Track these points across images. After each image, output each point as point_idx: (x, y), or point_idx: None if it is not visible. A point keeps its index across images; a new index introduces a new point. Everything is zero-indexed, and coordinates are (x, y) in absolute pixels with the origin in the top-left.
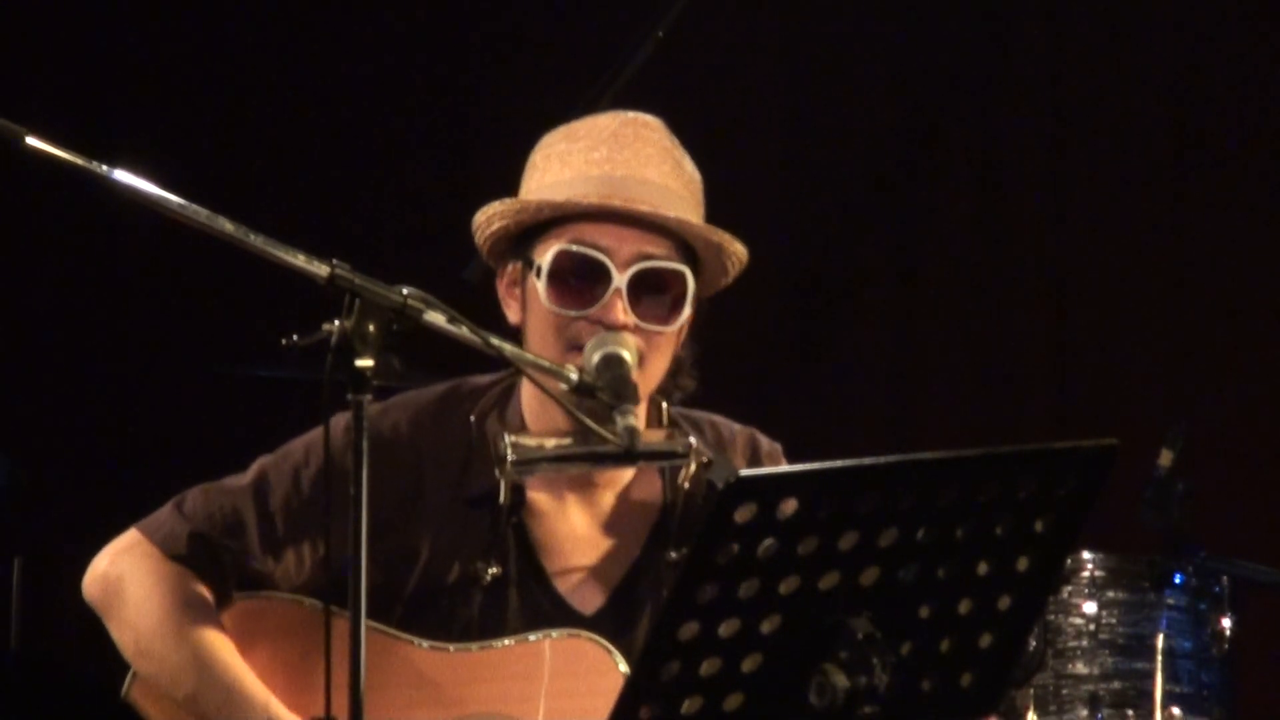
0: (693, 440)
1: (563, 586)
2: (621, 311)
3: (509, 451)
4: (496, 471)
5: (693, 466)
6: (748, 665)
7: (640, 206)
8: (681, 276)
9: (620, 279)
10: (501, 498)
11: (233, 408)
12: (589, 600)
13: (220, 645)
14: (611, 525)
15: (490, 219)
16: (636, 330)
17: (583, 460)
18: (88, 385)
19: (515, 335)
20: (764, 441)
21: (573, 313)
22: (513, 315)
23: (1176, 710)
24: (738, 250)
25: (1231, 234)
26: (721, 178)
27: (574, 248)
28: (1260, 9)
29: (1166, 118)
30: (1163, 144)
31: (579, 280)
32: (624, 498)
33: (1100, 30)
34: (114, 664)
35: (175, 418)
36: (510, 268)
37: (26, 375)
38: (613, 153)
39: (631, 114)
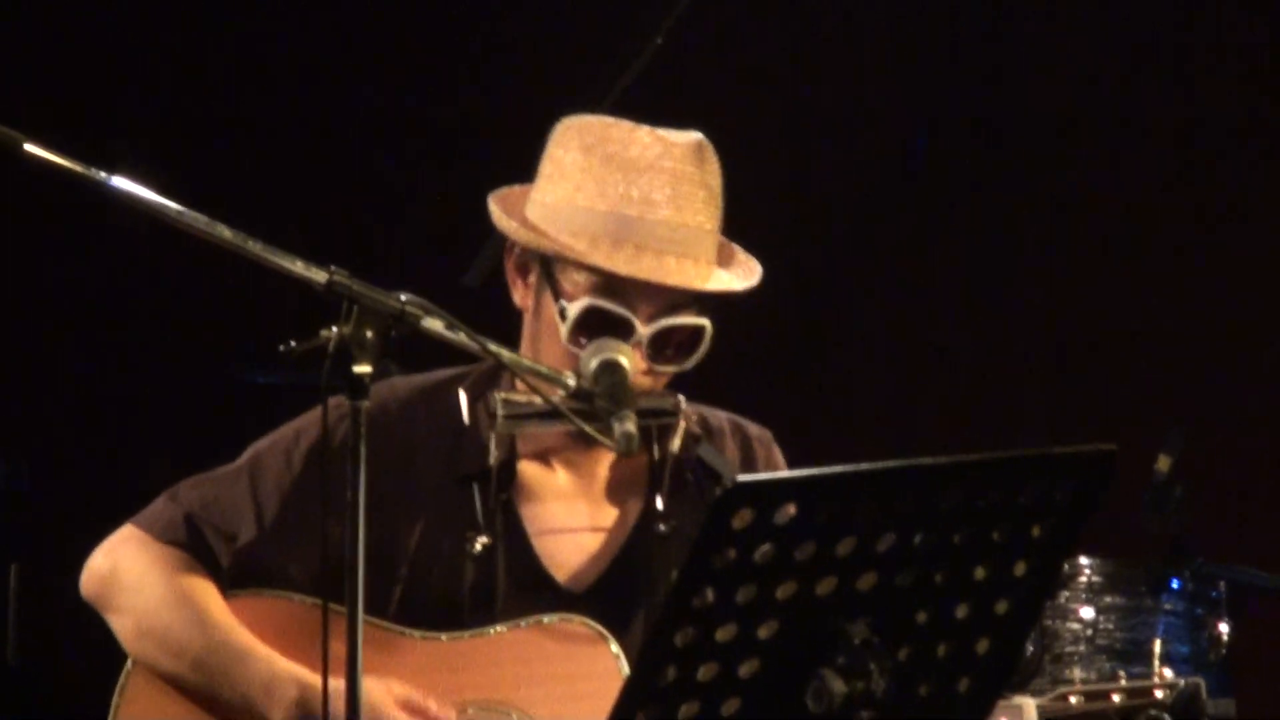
0: (681, 398)
1: (552, 565)
2: (639, 361)
3: (499, 407)
4: (487, 429)
5: (681, 426)
6: (745, 670)
7: (672, 279)
8: (702, 328)
9: (643, 332)
10: (491, 457)
11: (231, 413)
12: (579, 579)
13: (223, 611)
14: (601, 501)
15: (513, 230)
16: (649, 372)
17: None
18: (88, 388)
19: (517, 316)
20: (752, 428)
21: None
22: (518, 297)
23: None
24: (757, 282)
25: (1232, 237)
26: (723, 176)
27: (602, 304)
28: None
29: (1168, 116)
30: (1164, 145)
31: (602, 330)
32: (614, 473)
33: (1102, 30)
34: (113, 665)
35: (175, 423)
36: (519, 248)
37: (27, 377)
38: (649, 192)
39: (672, 137)
